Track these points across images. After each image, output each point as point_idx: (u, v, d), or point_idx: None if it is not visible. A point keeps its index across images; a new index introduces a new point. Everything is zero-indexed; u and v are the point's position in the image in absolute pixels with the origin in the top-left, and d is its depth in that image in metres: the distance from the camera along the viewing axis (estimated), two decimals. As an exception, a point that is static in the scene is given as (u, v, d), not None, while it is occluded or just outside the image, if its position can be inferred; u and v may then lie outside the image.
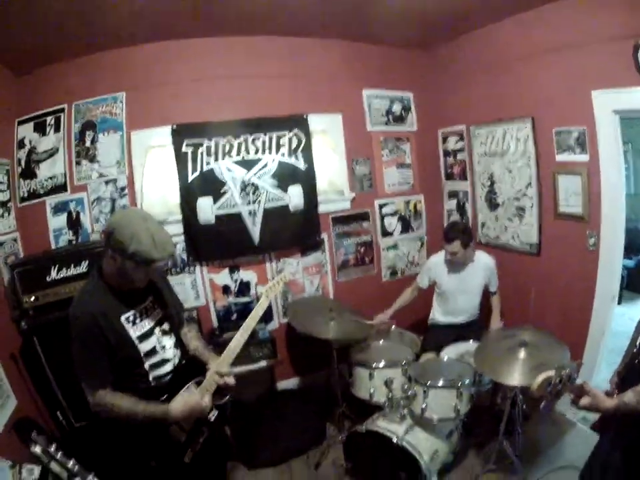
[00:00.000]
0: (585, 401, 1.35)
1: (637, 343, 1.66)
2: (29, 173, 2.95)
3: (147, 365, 1.59)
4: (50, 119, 2.99)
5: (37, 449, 0.93)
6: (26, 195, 2.96)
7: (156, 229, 1.46)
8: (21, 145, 2.95)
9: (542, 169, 2.87)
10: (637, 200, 5.40)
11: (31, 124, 2.96)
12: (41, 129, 2.97)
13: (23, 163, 2.96)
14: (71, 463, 0.91)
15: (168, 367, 1.66)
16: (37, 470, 1.78)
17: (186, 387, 1.64)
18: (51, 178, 2.98)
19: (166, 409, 1.53)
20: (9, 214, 2.82)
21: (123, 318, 1.55)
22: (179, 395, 1.58)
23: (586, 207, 2.62)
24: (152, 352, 1.61)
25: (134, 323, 1.58)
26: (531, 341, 2.07)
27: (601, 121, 2.47)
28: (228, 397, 1.73)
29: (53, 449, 0.93)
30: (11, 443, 2.05)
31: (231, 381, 1.67)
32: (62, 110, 2.98)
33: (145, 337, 1.60)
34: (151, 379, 1.61)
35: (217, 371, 1.65)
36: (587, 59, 2.45)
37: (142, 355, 1.58)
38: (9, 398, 2.28)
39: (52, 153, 3.00)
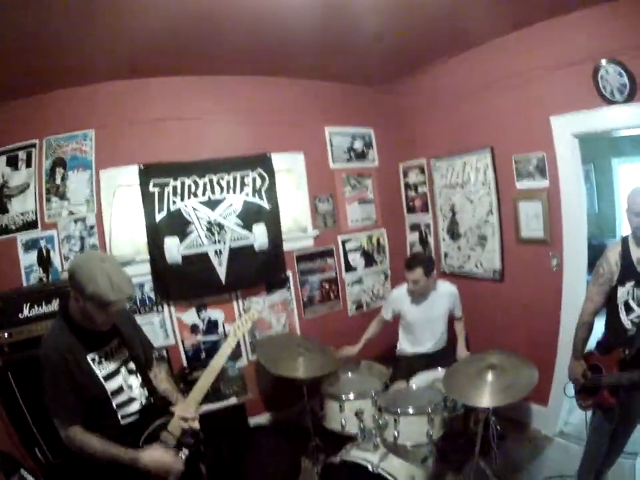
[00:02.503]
0: None
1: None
2: (0, 207, 2.99)
3: (114, 404, 1.64)
4: (22, 154, 3.01)
5: None
6: (-2, 229, 3.02)
7: (113, 270, 1.50)
8: (-7, 178, 3.01)
9: (502, 197, 2.96)
10: (601, 217, 5.61)
11: (4, 157, 2.99)
12: (13, 163, 3.00)
13: (-6, 197, 3.02)
14: None
15: (135, 406, 1.70)
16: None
17: (159, 438, 1.66)
18: (22, 214, 3.01)
19: (136, 458, 1.57)
20: (-20, 249, 2.88)
21: (89, 357, 1.61)
22: (153, 449, 1.61)
23: (547, 230, 2.71)
24: (118, 391, 1.65)
25: (100, 362, 1.63)
26: (498, 363, 2.11)
27: (561, 146, 2.55)
28: (199, 434, 1.77)
29: None
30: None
31: (195, 425, 1.72)
32: (34, 145, 3.01)
33: (110, 376, 1.64)
34: (119, 417, 1.66)
35: (180, 415, 1.70)
36: (544, 85, 2.54)
37: (109, 393, 1.63)
38: (-16, 434, 2.32)
39: (23, 189, 3.03)
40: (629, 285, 1.92)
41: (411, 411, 2.32)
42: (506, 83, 2.75)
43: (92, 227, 3.05)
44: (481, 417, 2.28)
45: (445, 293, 2.94)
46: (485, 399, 1.98)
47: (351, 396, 2.60)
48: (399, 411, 2.31)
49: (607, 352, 2.01)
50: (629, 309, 1.93)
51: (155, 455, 1.61)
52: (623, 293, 1.94)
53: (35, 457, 2.51)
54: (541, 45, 2.53)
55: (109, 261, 1.53)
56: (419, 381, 2.73)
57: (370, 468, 2.19)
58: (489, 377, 2.05)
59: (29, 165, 3.05)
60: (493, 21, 2.51)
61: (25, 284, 2.99)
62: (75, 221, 3.04)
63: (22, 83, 2.74)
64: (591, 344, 2.15)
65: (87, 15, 2.03)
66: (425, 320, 2.90)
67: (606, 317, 2.09)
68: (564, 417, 2.88)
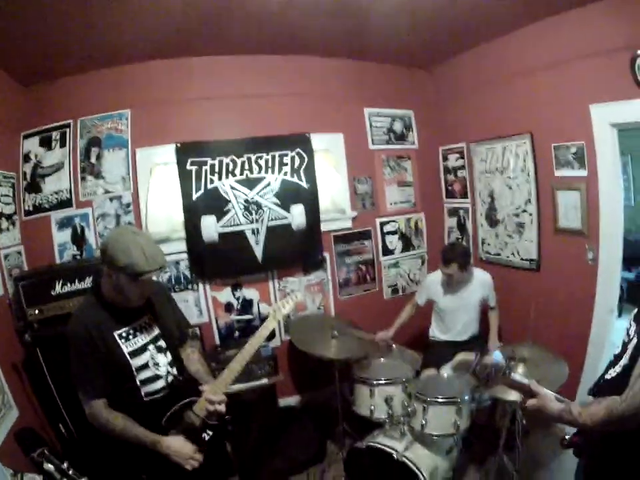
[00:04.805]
0: (532, 401, 1.32)
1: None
2: (34, 186, 2.99)
3: (138, 380, 1.63)
4: (56, 134, 3.02)
5: (50, 466, 0.95)
6: (31, 208, 3.00)
7: (146, 242, 1.53)
8: (27, 158, 2.99)
9: (541, 185, 2.89)
10: (637, 211, 5.43)
11: (37, 138, 3.00)
12: (46, 143, 3.01)
13: (28, 176, 3.00)
14: None
15: (160, 384, 1.68)
16: (38, 479, 1.78)
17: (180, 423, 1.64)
18: (56, 193, 3.02)
19: (157, 442, 1.57)
20: (13, 227, 2.85)
21: (115, 333, 1.60)
22: (175, 439, 1.61)
23: (584, 221, 2.64)
24: (143, 367, 1.64)
25: (127, 339, 1.62)
26: (529, 357, 2.10)
27: (599, 135, 2.48)
28: (225, 416, 1.73)
29: (65, 466, 0.95)
30: (12, 452, 2.06)
31: (221, 408, 1.67)
32: (67, 125, 3.02)
33: (137, 352, 1.63)
34: (143, 393, 1.65)
35: (208, 397, 1.66)
36: (584, 72, 2.47)
37: (133, 369, 1.62)
38: (11, 409, 2.30)
39: (57, 168, 3.04)
40: None
41: (440, 399, 2.30)
42: (546, 69, 2.69)
43: (128, 205, 3.04)
44: (508, 411, 2.27)
45: (479, 281, 2.89)
46: (514, 392, 1.94)
47: (382, 381, 2.59)
48: (428, 399, 2.31)
49: None
50: None
51: (175, 445, 1.60)
52: None
53: (58, 432, 2.51)
54: (580, 31, 2.46)
55: (141, 235, 1.56)
56: (449, 369, 2.71)
57: (395, 456, 2.19)
58: (520, 370, 2.03)
59: (63, 144, 3.06)
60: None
61: (58, 261, 3.00)
62: (111, 199, 3.04)
63: (53, 64, 2.74)
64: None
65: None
66: (457, 308, 2.88)
67: None
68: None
